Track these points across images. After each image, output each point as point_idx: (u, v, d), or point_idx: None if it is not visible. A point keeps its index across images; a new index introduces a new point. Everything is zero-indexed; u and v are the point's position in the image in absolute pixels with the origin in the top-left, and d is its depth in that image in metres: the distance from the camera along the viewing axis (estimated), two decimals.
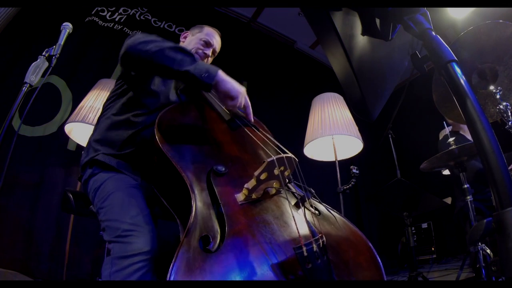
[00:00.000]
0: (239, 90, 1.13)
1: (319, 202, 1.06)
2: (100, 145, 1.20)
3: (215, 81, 1.08)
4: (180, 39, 1.56)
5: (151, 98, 1.26)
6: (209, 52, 1.47)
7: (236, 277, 0.72)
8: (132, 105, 1.24)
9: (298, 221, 0.90)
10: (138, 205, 1.04)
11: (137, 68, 1.21)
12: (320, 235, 0.84)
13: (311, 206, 1.03)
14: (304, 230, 0.88)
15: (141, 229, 0.96)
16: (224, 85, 1.10)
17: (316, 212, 1.02)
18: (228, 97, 1.12)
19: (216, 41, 1.51)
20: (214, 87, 1.09)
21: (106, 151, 1.18)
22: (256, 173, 0.91)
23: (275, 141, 1.17)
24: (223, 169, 0.98)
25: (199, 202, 0.86)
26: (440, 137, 2.62)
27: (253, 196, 0.93)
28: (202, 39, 1.46)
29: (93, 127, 2.18)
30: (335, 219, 1.01)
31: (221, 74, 1.10)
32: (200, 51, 1.45)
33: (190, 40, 1.50)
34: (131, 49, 1.10)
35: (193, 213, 0.83)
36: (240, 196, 0.92)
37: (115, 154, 1.18)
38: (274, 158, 0.91)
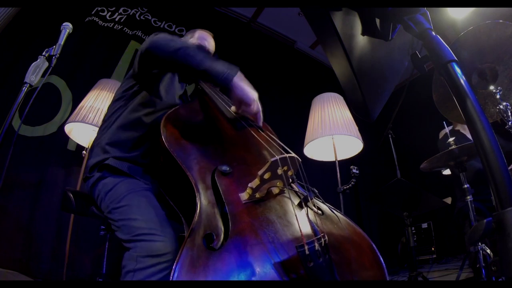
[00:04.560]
0: (253, 97, 1.13)
1: (322, 202, 1.07)
2: (110, 146, 1.20)
3: (231, 85, 1.09)
4: None
5: (159, 100, 1.28)
6: None
7: (239, 275, 0.73)
8: (140, 106, 1.26)
9: (300, 220, 0.90)
10: (155, 206, 1.05)
11: (157, 65, 1.23)
12: (322, 234, 0.85)
13: (314, 205, 1.03)
14: (306, 229, 0.89)
15: (163, 229, 0.97)
16: (239, 90, 1.10)
17: (319, 211, 1.02)
18: (241, 102, 1.13)
19: (208, 43, 1.53)
20: (229, 90, 1.11)
21: (116, 153, 1.18)
22: (259, 173, 0.91)
23: (279, 142, 1.18)
24: (228, 168, 0.99)
25: (203, 201, 0.88)
26: (440, 137, 2.62)
27: (257, 195, 0.94)
28: (194, 44, 1.48)
29: (93, 127, 2.22)
30: (338, 219, 1.02)
31: (238, 78, 1.11)
32: None
33: None
34: (154, 46, 1.13)
35: (198, 211, 0.84)
36: (244, 195, 0.93)
37: (125, 158, 1.18)
38: (278, 158, 0.92)
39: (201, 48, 1.15)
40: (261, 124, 1.22)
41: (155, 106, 1.26)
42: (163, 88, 1.31)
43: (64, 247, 2.18)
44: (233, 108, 1.22)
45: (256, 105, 1.16)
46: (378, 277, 0.89)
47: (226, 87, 1.10)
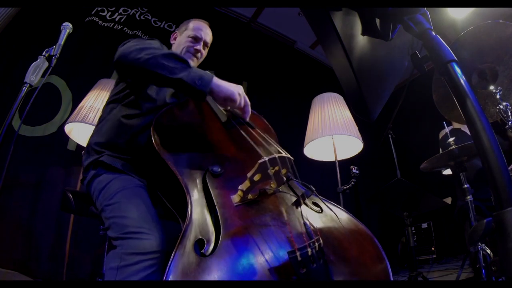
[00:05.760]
0: (237, 92, 1.12)
1: (322, 199, 1.04)
2: (101, 147, 1.20)
3: (209, 89, 1.06)
4: (171, 41, 1.53)
5: (149, 102, 1.26)
6: (199, 46, 1.44)
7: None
8: (132, 108, 1.24)
9: (294, 222, 0.88)
10: (146, 204, 1.04)
11: (131, 75, 1.21)
12: (317, 237, 0.83)
13: (312, 203, 1.01)
14: (300, 232, 0.87)
15: (152, 228, 0.95)
16: (220, 91, 1.08)
17: (318, 209, 1.00)
18: (226, 99, 1.12)
19: (204, 33, 1.47)
20: (210, 94, 1.08)
21: (110, 153, 1.18)
22: (249, 175, 0.89)
23: (272, 140, 1.16)
24: (219, 169, 0.97)
25: (194, 204, 0.86)
26: (440, 137, 2.62)
27: (249, 197, 0.92)
28: (190, 36, 1.44)
29: (93, 127, 2.21)
30: (338, 216, 0.99)
31: (216, 80, 1.08)
32: (191, 48, 1.43)
33: (180, 40, 1.48)
34: (123, 57, 1.10)
35: (189, 215, 0.82)
36: (236, 198, 0.91)
37: (119, 157, 1.18)
38: (266, 159, 0.89)
39: (173, 55, 1.09)
40: (248, 117, 1.19)
41: (146, 108, 1.24)
42: (153, 89, 1.28)
43: (64, 247, 2.18)
44: (222, 107, 1.21)
45: (242, 99, 1.14)
46: (381, 274, 0.87)
47: (205, 93, 1.05)
